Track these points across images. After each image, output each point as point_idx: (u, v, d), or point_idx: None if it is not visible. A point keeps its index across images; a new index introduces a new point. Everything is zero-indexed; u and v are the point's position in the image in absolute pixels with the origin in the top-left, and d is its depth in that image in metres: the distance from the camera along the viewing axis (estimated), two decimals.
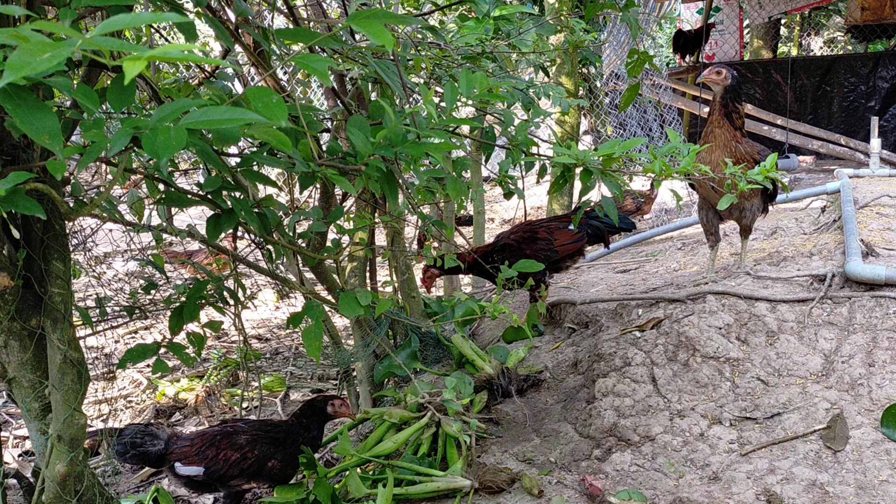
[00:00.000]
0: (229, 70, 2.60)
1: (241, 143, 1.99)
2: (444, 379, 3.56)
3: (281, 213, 2.18)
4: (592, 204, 2.81)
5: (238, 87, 2.95)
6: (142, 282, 2.60)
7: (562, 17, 3.46)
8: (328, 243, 2.89)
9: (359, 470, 3.11)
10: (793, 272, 3.60)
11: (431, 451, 3.18)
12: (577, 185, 2.17)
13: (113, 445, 2.89)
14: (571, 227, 3.95)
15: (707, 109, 10.22)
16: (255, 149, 1.93)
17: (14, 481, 2.45)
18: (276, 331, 6.65)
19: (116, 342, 5.81)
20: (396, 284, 4.26)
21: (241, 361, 4.67)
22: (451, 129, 2.26)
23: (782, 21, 14.87)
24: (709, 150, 3.34)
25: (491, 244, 4.05)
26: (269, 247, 2.38)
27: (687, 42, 10.69)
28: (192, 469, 2.90)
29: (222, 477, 2.90)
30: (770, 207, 3.69)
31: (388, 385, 4.09)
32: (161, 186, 2.48)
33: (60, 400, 1.98)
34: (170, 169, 2.35)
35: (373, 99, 3.24)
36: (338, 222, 2.51)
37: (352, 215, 3.03)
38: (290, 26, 2.40)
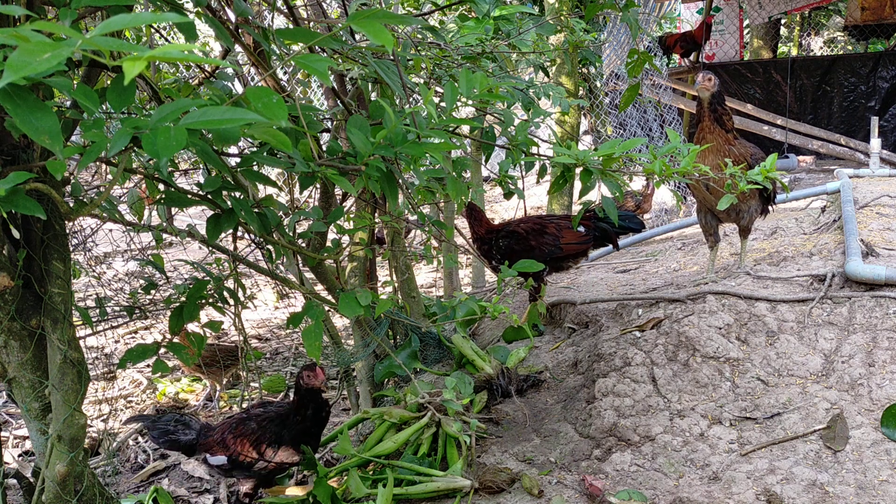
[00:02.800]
0: (229, 70, 2.60)
1: (241, 143, 1.99)
2: (444, 379, 3.56)
3: (281, 213, 2.18)
4: (594, 205, 2.81)
5: (238, 87, 2.96)
6: (142, 282, 2.60)
7: (562, 17, 3.46)
8: (328, 243, 2.89)
9: (358, 470, 3.11)
10: (793, 272, 3.60)
11: (431, 451, 3.18)
12: (578, 185, 2.17)
13: (150, 430, 3.09)
14: (581, 228, 3.96)
15: None
16: (255, 149, 1.93)
17: (14, 481, 2.45)
18: (276, 331, 6.65)
19: (116, 342, 5.81)
20: (396, 284, 4.26)
21: (242, 361, 4.67)
22: (451, 129, 2.26)
23: (782, 21, 14.88)
24: (702, 154, 3.33)
25: (500, 226, 4.06)
26: (269, 247, 2.38)
27: (667, 48, 10.66)
28: (219, 459, 2.97)
29: (244, 464, 2.93)
30: (770, 209, 3.69)
31: (387, 385, 4.09)
32: (161, 186, 2.48)
33: (60, 400, 1.98)
34: (170, 169, 2.35)
35: (373, 99, 3.25)
36: (338, 222, 2.51)
37: (352, 215, 3.03)
38: (290, 26, 2.40)
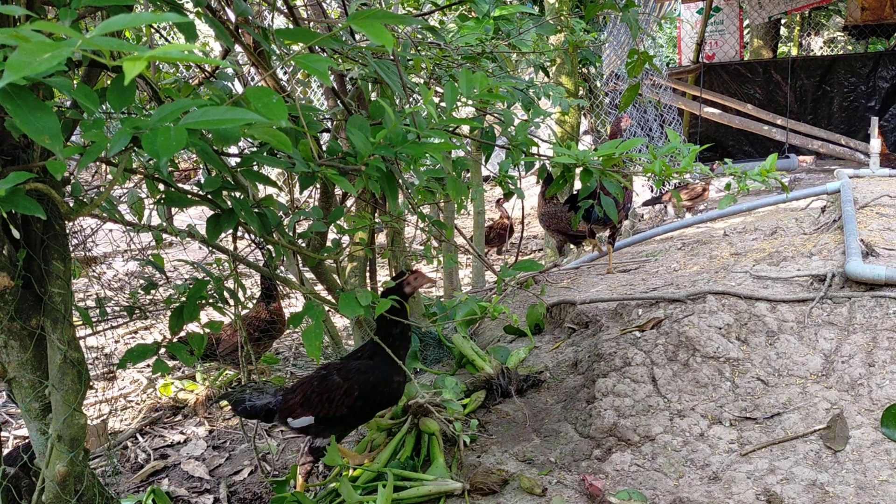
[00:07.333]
0: (229, 70, 2.60)
1: (241, 143, 1.99)
2: (438, 379, 3.56)
3: (281, 213, 2.18)
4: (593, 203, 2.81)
5: (238, 87, 2.96)
6: (142, 282, 2.60)
7: (562, 17, 3.46)
8: (328, 243, 2.89)
9: (352, 470, 3.11)
10: (793, 272, 3.60)
11: (415, 452, 3.16)
12: (578, 185, 2.17)
13: (229, 403, 3.12)
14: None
15: (708, 109, 10.22)
16: (255, 149, 1.93)
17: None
18: None
19: (116, 342, 5.81)
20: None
21: (241, 361, 4.66)
22: (451, 129, 2.26)
23: (782, 21, 14.88)
24: None
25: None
26: (269, 247, 2.38)
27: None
28: (304, 420, 2.94)
29: (333, 419, 2.90)
30: None
31: None
32: (161, 186, 2.48)
33: (60, 400, 1.98)
34: (170, 169, 2.35)
35: (373, 99, 3.25)
36: (338, 222, 2.51)
37: (352, 215, 3.04)
38: (290, 26, 2.40)
